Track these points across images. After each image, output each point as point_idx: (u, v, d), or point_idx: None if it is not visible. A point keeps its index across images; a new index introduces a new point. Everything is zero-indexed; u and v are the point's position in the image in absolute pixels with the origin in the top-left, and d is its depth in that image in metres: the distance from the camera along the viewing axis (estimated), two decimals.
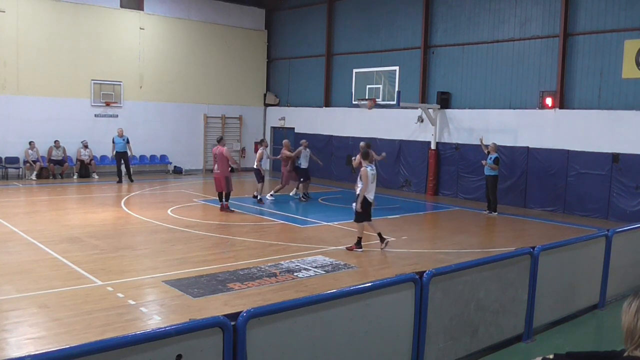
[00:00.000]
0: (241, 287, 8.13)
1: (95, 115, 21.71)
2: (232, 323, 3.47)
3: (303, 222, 13.63)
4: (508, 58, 17.64)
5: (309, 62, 24.44)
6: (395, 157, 20.35)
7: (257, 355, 3.63)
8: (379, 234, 10.79)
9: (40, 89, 20.42)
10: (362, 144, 15.68)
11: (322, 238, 11.79)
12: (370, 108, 17.75)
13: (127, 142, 20.05)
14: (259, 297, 7.65)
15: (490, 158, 15.38)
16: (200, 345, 3.34)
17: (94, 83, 21.47)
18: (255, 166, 16.56)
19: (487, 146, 15.88)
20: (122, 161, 20.09)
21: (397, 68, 17.43)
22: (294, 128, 25.00)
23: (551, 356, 3.13)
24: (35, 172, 19.95)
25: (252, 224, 13.29)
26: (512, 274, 5.90)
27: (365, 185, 10.40)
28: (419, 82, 19.95)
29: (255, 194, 16.40)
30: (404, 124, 20.26)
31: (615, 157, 15.06)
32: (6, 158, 19.98)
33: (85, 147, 20.87)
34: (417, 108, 19.52)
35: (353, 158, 15.37)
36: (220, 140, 14.91)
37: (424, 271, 4.88)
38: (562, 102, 16.32)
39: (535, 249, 6.11)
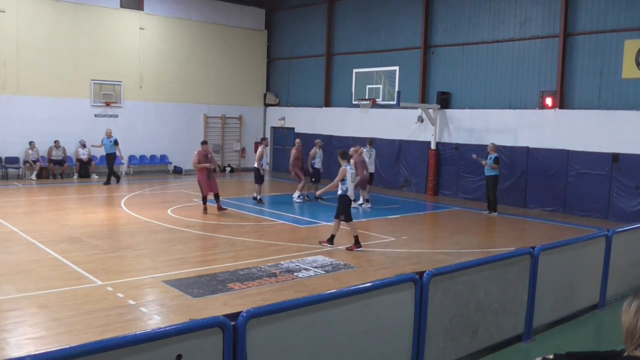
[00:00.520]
0: (241, 287, 8.13)
1: (95, 115, 21.70)
2: (232, 323, 3.47)
3: (303, 222, 13.63)
4: (508, 58, 17.64)
5: (309, 62, 24.44)
6: (395, 157, 20.35)
7: (257, 355, 3.63)
8: (356, 237, 10.75)
9: (40, 89, 20.41)
10: (357, 147, 16.42)
11: (322, 238, 11.78)
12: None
13: (115, 143, 19.50)
14: (259, 297, 7.65)
15: (490, 158, 15.37)
16: (200, 345, 3.34)
17: (94, 83, 21.47)
18: (255, 165, 16.31)
19: (481, 160, 15.77)
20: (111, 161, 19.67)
21: (397, 68, 17.43)
22: (294, 128, 25.00)
23: (551, 356, 3.13)
24: (35, 172, 19.95)
25: (252, 224, 13.29)
26: (512, 274, 5.89)
27: (336, 181, 10.67)
28: (419, 82, 19.95)
29: (255, 195, 16.32)
30: (404, 124, 20.26)
31: (615, 157, 15.06)
32: (6, 158, 19.98)
33: (84, 146, 20.84)
34: (417, 108, 19.52)
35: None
36: (205, 143, 14.94)
37: (424, 271, 4.88)
38: (562, 102, 16.32)
39: (535, 249, 6.11)
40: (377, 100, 17.62)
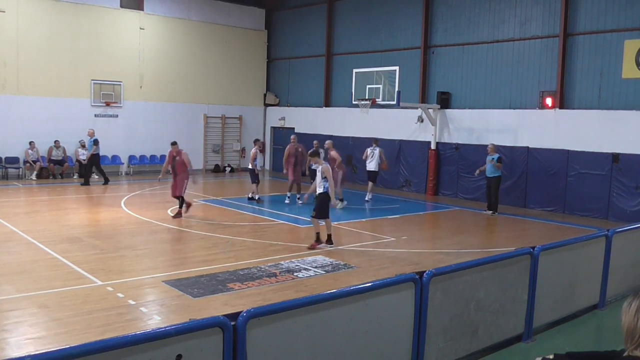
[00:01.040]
0: (241, 287, 8.14)
1: (95, 115, 21.70)
2: (232, 323, 3.47)
3: (303, 222, 13.62)
4: (508, 58, 17.64)
5: (309, 62, 24.44)
6: (395, 157, 20.34)
7: (257, 355, 3.63)
8: (320, 235, 10.72)
9: (40, 89, 20.42)
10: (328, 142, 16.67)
11: (322, 238, 11.78)
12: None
13: (94, 143, 19.13)
14: (259, 297, 7.65)
15: (493, 158, 15.34)
16: (200, 345, 3.34)
17: (94, 83, 21.47)
18: (249, 166, 16.41)
19: (482, 169, 15.71)
20: (95, 162, 19.43)
21: (397, 68, 17.44)
22: (294, 128, 24.99)
23: (551, 356, 3.13)
24: (35, 172, 19.95)
25: (252, 224, 13.30)
26: (512, 274, 5.89)
27: (331, 180, 10.58)
28: (419, 82, 19.95)
29: (249, 195, 16.40)
30: (404, 124, 20.26)
31: (615, 157, 15.06)
32: (6, 158, 19.98)
33: (83, 146, 20.83)
34: (417, 108, 19.52)
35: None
36: (175, 144, 13.97)
37: (424, 271, 4.88)
38: (562, 102, 16.32)
39: (535, 249, 6.11)
40: (377, 100, 17.62)
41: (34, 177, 19.91)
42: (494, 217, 15.24)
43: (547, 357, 3.12)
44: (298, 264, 9.49)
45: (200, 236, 11.65)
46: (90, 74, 21.37)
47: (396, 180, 20.52)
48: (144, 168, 23.07)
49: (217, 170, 25.00)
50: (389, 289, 4.62)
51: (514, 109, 17.47)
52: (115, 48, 21.97)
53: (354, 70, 18.77)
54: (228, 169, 25.16)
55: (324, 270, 9.21)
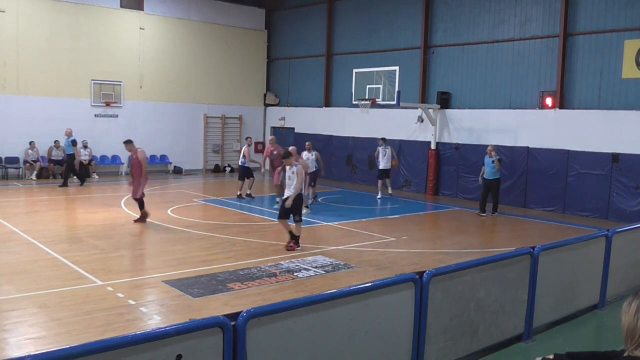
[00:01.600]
0: (241, 287, 8.14)
1: (95, 115, 21.71)
2: (232, 323, 3.47)
3: (303, 222, 13.59)
4: (508, 58, 17.64)
5: (309, 62, 24.44)
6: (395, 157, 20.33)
7: (257, 355, 3.63)
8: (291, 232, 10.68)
9: (40, 89, 20.42)
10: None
11: (322, 238, 11.80)
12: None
13: (73, 144, 18.74)
14: (259, 297, 7.65)
15: (492, 160, 15.03)
16: (200, 345, 3.34)
17: (94, 83, 21.47)
18: (240, 163, 17.00)
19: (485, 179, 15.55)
20: (71, 163, 18.93)
21: (397, 68, 17.45)
22: (294, 128, 25.00)
23: (551, 356, 3.14)
24: (35, 172, 19.95)
25: (252, 224, 13.30)
26: (512, 274, 5.89)
27: (300, 181, 10.40)
28: (419, 82, 19.95)
29: (239, 192, 16.81)
30: (404, 124, 20.26)
31: (615, 157, 15.06)
32: (6, 158, 19.98)
33: (85, 147, 20.84)
34: (417, 108, 19.52)
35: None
36: (130, 142, 13.19)
37: (424, 271, 4.88)
38: (562, 102, 16.32)
39: (535, 249, 6.11)
40: (377, 100, 17.63)
41: (34, 177, 19.90)
42: (494, 217, 15.22)
43: (547, 357, 3.13)
44: (298, 264, 9.49)
45: (200, 236, 11.65)
46: (90, 74, 21.37)
47: (396, 180, 20.49)
48: None
49: (217, 170, 25.00)
50: (389, 289, 4.62)
51: (514, 109, 17.47)
52: (115, 48, 21.97)
53: (354, 70, 18.78)
54: (228, 169, 25.16)
55: (324, 270, 9.21)
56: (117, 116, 22.16)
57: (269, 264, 9.41)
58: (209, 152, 24.96)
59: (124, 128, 22.26)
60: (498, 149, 16.06)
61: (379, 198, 17.82)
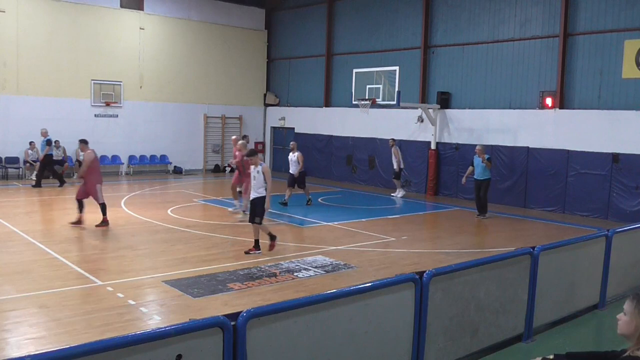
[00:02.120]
0: (241, 287, 8.13)
1: (95, 115, 21.71)
2: (232, 323, 3.47)
3: (303, 222, 13.62)
4: (508, 58, 17.64)
5: (309, 62, 24.44)
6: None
7: (257, 355, 3.63)
8: (257, 241, 10.15)
9: (40, 89, 20.41)
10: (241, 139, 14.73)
11: (322, 238, 11.80)
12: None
13: (47, 144, 18.19)
14: (259, 297, 7.65)
15: (482, 161, 14.51)
16: (200, 345, 3.34)
17: (94, 83, 21.46)
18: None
19: (470, 176, 15.31)
20: (48, 163, 18.47)
21: (397, 68, 17.44)
22: (294, 128, 25.00)
23: (551, 356, 3.14)
24: (35, 172, 19.92)
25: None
26: (512, 274, 5.89)
27: (270, 181, 10.09)
28: (419, 82, 19.94)
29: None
30: (404, 124, 20.25)
31: (615, 157, 15.06)
32: (6, 158, 19.98)
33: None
34: (417, 108, 19.52)
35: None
36: (82, 142, 12.69)
37: (424, 271, 4.88)
38: (562, 102, 16.32)
39: (535, 249, 6.11)
40: (377, 100, 17.62)
41: (34, 177, 19.87)
42: (493, 217, 15.21)
43: (547, 357, 3.13)
44: (298, 264, 9.48)
45: (200, 236, 11.65)
46: (90, 74, 21.37)
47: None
48: (144, 168, 23.07)
49: (217, 170, 25.00)
50: (389, 289, 4.62)
51: (514, 109, 17.46)
52: (115, 48, 21.97)
53: (354, 70, 18.78)
54: (228, 169, 25.15)
55: (324, 270, 9.21)
56: (117, 116, 22.16)
57: (269, 264, 9.41)
58: (209, 152, 24.96)
59: (124, 128, 22.28)
60: (499, 149, 16.04)
61: (392, 196, 18.57)
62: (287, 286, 8.24)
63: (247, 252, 10.05)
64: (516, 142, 17.20)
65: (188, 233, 11.86)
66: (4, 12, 19.57)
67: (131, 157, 22.77)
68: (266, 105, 26.42)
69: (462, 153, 18.57)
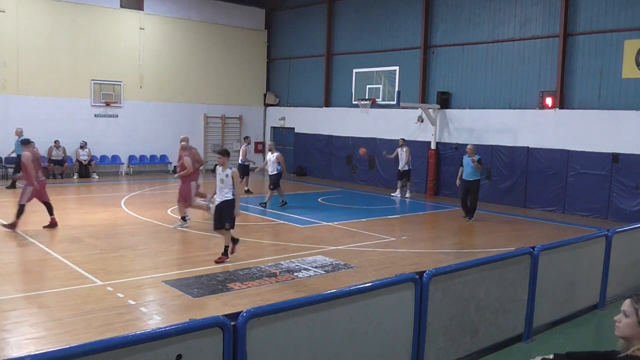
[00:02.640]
0: (241, 287, 8.13)
1: (95, 115, 21.71)
2: (232, 323, 3.47)
3: (303, 222, 13.62)
4: (508, 58, 17.64)
5: (309, 62, 24.44)
6: (395, 157, 20.32)
7: (257, 355, 3.63)
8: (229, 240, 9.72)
9: (40, 89, 20.41)
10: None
11: (322, 238, 11.80)
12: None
13: (22, 143, 17.47)
14: (259, 297, 7.65)
15: (473, 160, 14.08)
16: (200, 345, 3.34)
17: (94, 83, 21.46)
18: (239, 162, 17.68)
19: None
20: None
21: (397, 68, 17.45)
22: (294, 128, 25.00)
23: (551, 356, 3.14)
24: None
25: (252, 224, 13.29)
26: (512, 274, 5.89)
27: (238, 185, 9.81)
28: (419, 82, 19.94)
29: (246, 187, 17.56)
30: (404, 124, 20.25)
31: (615, 157, 15.06)
32: (6, 158, 19.97)
33: (82, 147, 20.78)
34: (417, 108, 19.52)
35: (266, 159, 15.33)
36: (29, 142, 12.19)
37: (424, 271, 4.88)
38: (562, 102, 16.31)
39: (535, 249, 6.11)
40: (377, 100, 17.63)
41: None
42: (492, 218, 15.20)
43: (547, 357, 3.13)
44: (298, 264, 9.48)
45: (200, 236, 11.65)
46: (90, 74, 21.37)
47: (396, 180, 20.48)
48: (144, 168, 23.07)
49: None
50: (389, 289, 4.62)
51: (514, 109, 17.46)
52: (115, 48, 21.96)
53: (354, 70, 18.78)
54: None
55: (324, 270, 9.21)
56: (117, 116, 22.16)
57: (269, 264, 9.41)
58: (209, 152, 24.95)
59: (124, 128, 22.28)
60: (499, 149, 16.03)
61: (392, 196, 18.47)
62: (287, 286, 8.24)
63: (217, 262, 9.38)
64: (516, 142, 17.21)
65: (188, 233, 11.86)
66: (4, 12, 19.57)
67: (131, 157, 22.77)
68: (266, 105, 26.43)
69: (462, 153, 18.44)
